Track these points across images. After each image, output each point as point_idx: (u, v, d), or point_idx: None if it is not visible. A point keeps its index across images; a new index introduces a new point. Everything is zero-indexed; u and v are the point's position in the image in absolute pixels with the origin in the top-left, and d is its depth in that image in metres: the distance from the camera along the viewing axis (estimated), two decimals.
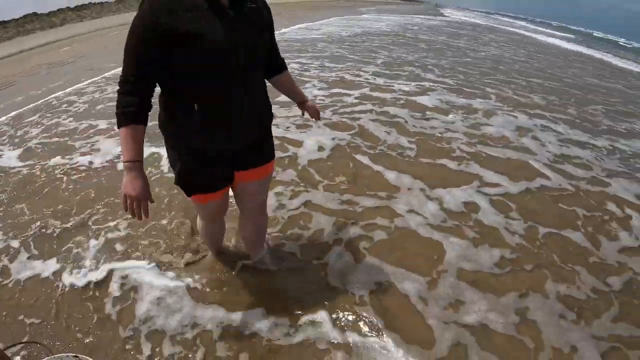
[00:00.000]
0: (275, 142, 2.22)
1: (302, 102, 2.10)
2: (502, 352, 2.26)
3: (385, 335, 2.30)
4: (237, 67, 1.50)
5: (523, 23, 34.54)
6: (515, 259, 3.11)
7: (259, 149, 1.81)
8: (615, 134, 6.64)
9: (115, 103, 1.46)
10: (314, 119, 2.14)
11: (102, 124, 5.68)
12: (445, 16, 28.52)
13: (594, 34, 36.03)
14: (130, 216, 1.48)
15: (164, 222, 3.25)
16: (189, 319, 2.36)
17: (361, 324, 2.38)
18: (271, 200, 3.44)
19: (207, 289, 2.58)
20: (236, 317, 2.36)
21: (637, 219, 4.08)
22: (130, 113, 1.41)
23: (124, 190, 1.41)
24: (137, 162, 1.42)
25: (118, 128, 1.43)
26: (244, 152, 1.75)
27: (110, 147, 4.82)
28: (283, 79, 1.95)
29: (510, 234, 3.49)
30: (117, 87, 1.44)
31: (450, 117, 6.26)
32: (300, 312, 2.42)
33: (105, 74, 8.80)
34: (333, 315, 2.41)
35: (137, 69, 1.41)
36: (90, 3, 20.83)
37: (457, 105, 6.90)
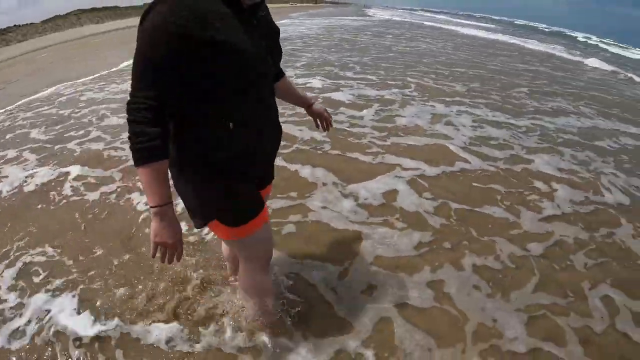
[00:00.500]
0: None
1: (308, 107, 1.93)
2: (426, 324, 2.33)
3: (294, 331, 2.17)
4: (267, 77, 1.44)
5: (448, 17, 35.83)
6: (434, 240, 3.15)
7: (273, 163, 1.72)
8: (540, 113, 6.85)
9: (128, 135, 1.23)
10: (325, 131, 2.01)
11: (11, 153, 5.10)
12: (370, 16, 28.94)
13: (516, 22, 37.91)
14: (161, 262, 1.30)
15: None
16: None
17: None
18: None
19: None
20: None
21: (559, 190, 4.24)
22: (153, 148, 1.18)
23: (158, 239, 1.26)
24: (168, 204, 1.25)
25: (137, 166, 1.20)
26: (269, 167, 1.69)
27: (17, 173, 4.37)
28: (284, 84, 1.81)
29: (430, 216, 3.49)
30: (129, 115, 1.19)
31: (365, 111, 6.17)
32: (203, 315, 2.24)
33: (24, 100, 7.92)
34: (237, 320, 2.19)
35: (159, 89, 1.17)
36: (15, 26, 20.11)
37: (373, 98, 6.82)
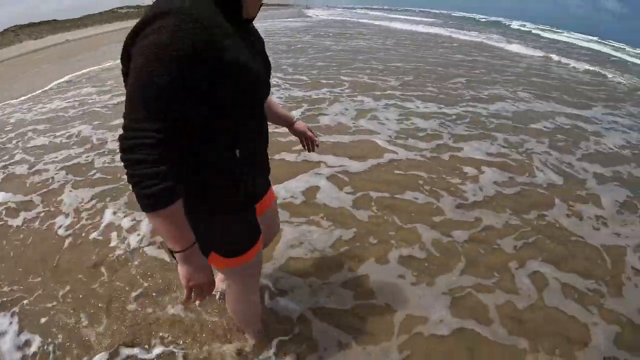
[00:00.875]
0: None
1: (290, 125, 1.86)
2: (348, 322, 2.33)
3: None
4: (266, 97, 1.40)
5: (388, 14, 36.35)
6: (357, 235, 3.13)
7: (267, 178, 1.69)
8: (476, 100, 6.94)
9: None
10: (310, 151, 1.94)
11: None
12: (310, 17, 29.00)
13: (453, 14, 39.03)
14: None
15: None
16: None
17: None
18: None
19: None
20: None
21: (487, 174, 4.26)
22: (167, 190, 1.02)
23: (192, 282, 1.19)
24: (194, 245, 1.15)
25: (150, 212, 1.04)
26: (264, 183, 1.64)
27: None
28: (269, 102, 1.71)
29: (354, 210, 3.46)
30: (128, 153, 0.99)
31: (292, 112, 5.60)
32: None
33: None
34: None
35: (167, 120, 1.00)
36: None
37: (302, 99, 6.71)
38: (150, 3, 1.03)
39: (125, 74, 1.09)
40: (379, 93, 6.80)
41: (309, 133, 1.88)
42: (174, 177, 1.04)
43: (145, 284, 2.63)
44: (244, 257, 1.49)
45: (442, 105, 6.36)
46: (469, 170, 4.31)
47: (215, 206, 1.32)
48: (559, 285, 2.84)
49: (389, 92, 6.95)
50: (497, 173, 4.29)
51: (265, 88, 1.34)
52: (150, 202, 1.03)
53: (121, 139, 1.01)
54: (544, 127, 5.93)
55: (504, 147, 4.98)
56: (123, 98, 1.38)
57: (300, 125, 1.88)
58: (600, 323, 2.52)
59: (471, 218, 3.49)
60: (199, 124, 1.14)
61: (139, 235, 3.18)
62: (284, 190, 3.72)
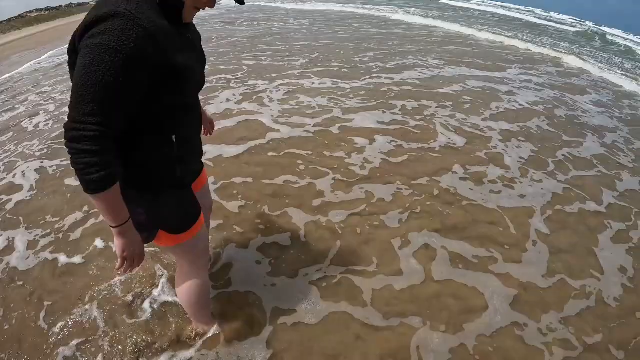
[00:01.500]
0: None
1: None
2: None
3: None
4: (199, 90, 1.58)
5: None
6: (224, 224, 2.88)
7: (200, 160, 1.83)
8: (381, 72, 6.72)
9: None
10: (208, 134, 2.12)
11: None
12: (220, 3, 28.02)
13: None
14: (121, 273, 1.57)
15: None
16: None
17: None
18: None
19: None
20: None
21: (377, 144, 4.05)
22: (108, 177, 1.18)
23: (127, 253, 1.37)
24: (129, 220, 1.34)
25: (93, 194, 1.20)
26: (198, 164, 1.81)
27: None
28: None
29: (224, 200, 3.18)
30: (73, 143, 1.13)
31: None
32: None
33: None
34: None
35: (110, 114, 1.15)
36: None
37: None
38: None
39: (71, 65, 1.24)
40: (275, 75, 6.42)
41: (212, 120, 2.14)
42: (113, 165, 1.19)
43: None
44: (190, 232, 1.64)
45: (340, 80, 6.09)
46: (359, 141, 4.05)
47: (157, 187, 1.49)
48: (448, 256, 2.64)
49: (289, 72, 6.60)
50: (388, 142, 4.06)
51: (200, 81, 1.53)
52: (91, 187, 1.17)
53: (67, 128, 1.13)
54: (452, 90, 5.81)
55: (402, 114, 4.77)
56: None
57: (207, 115, 2.08)
58: (499, 290, 2.42)
59: (354, 196, 3.20)
60: (139, 116, 1.28)
61: None
62: None
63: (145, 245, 1.48)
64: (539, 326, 2.22)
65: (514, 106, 5.36)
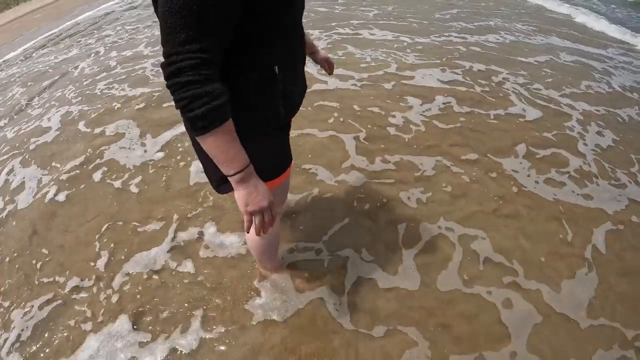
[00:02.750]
0: None
1: (313, 53, 1.81)
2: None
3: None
4: (301, 16, 1.33)
5: None
6: None
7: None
8: (457, 31, 6.05)
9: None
10: (328, 74, 1.89)
11: None
12: None
13: None
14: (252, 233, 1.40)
15: None
16: None
17: None
18: None
19: None
20: None
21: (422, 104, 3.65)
22: (221, 107, 1.01)
23: (251, 207, 1.16)
24: (250, 165, 1.14)
25: (203, 134, 1.03)
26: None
27: None
28: None
29: None
30: (175, 77, 0.97)
31: None
32: None
33: None
34: None
35: (212, 39, 0.99)
36: None
37: None
38: None
39: (155, 1, 1.05)
40: (334, 24, 6.01)
41: (331, 60, 1.87)
42: (224, 95, 1.03)
43: None
44: (278, 180, 1.52)
45: (409, 35, 5.51)
46: (411, 100, 3.54)
47: (257, 125, 1.31)
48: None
49: (357, 21, 6.15)
50: (443, 104, 3.54)
51: (301, 4, 1.27)
52: (202, 123, 1.00)
53: (164, 65, 0.98)
54: (535, 60, 5.01)
55: (464, 76, 4.20)
56: None
57: (324, 54, 1.85)
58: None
59: (382, 166, 2.85)
60: (236, 47, 1.11)
61: None
62: None
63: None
64: None
65: (604, 88, 4.55)
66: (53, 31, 9.30)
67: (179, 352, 1.85)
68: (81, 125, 3.86)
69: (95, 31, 7.90)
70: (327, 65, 1.87)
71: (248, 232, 1.32)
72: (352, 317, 1.95)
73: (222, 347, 1.85)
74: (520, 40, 5.80)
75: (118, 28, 7.68)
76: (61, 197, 2.91)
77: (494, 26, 6.46)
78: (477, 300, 2.03)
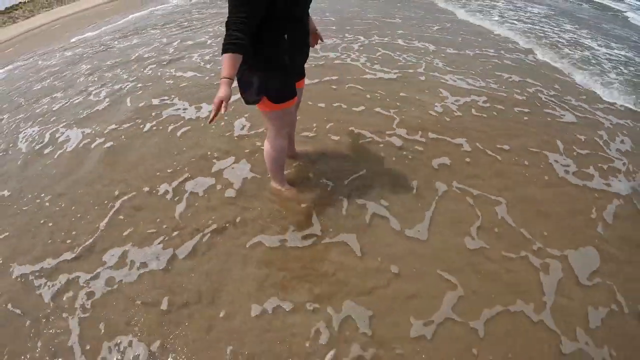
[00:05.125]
0: None
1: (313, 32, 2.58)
2: None
3: None
4: (307, 9, 2.25)
5: None
6: None
7: (304, 63, 2.54)
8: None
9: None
10: (312, 45, 2.55)
11: None
12: None
13: None
14: (213, 114, 1.89)
15: None
16: None
17: None
18: None
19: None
20: None
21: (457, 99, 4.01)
22: (239, 45, 1.88)
23: (221, 94, 1.86)
24: (230, 80, 1.92)
25: (224, 53, 1.90)
26: (302, 65, 2.51)
27: None
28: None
29: None
30: (229, 26, 1.90)
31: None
32: None
33: None
34: None
35: (250, 12, 1.91)
36: (21, 3, 20.38)
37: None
38: None
39: None
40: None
41: (318, 34, 2.59)
42: (243, 44, 1.88)
43: None
44: (284, 105, 2.32)
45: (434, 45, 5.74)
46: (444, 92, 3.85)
47: (271, 66, 2.17)
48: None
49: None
50: (480, 101, 3.82)
51: (305, 3, 2.15)
52: (224, 48, 1.88)
53: (226, 22, 1.90)
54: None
55: (499, 84, 4.41)
56: None
57: (316, 31, 2.57)
58: None
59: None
60: (265, 18, 1.98)
61: None
62: None
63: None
64: None
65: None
66: (126, 19, 10.07)
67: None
68: (129, 101, 4.41)
69: (162, 23, 8.52)
70: (313, 38, 2.57)
71: (212, 116, 1.87)
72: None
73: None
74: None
75: (184, 23, 8.21)
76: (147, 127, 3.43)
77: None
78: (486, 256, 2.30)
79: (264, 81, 2.18)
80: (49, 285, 2.31)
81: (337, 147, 3.20)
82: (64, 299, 2.22)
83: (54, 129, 4.05)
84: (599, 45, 6.59)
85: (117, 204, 2.79)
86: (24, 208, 2.95)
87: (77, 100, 4.71)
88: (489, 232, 2.45)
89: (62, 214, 2.81)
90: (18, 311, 2.20)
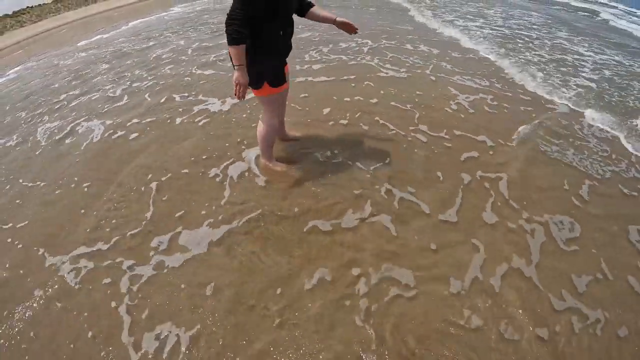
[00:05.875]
0: None
1: (334, 21, 2.65)
2: None
3: None
4: (292, 11, 2.52)
5: None
6: None
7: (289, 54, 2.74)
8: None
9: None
10: (352, 33, 2.70)
11: None
12: None
13: None
14: (239, 93, 2.32)
15: None
16: None
17: None
18: None
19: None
20: None
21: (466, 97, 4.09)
22: (242, 37, 2.20)
23: (238, 80, 2.30)
24: (243, 64, 2.29)
25: (230, 45, 2.22)
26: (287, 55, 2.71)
27: None
28: (314, 10, 2.69)
29: None
30: (230, 20, 2.17)
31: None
32: None
33: None
34: None
35: (249, 9, 2.17)
36: (28, 7, 20.41)
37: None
38: None
39: None
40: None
41: (350, 23, 2.65)
42: (244, 35, 2.19)
43: None
44: (278, 89, 2.67)
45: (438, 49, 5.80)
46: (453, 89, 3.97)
47: (267, 56, 2.45)
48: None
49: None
50: (487, 99, 3.92)
51: (289, 7, 2.41)
52: (230, 40, 2.18)
53: (227, 16, 2.16)
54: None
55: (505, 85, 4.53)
56: None
57: (340, 20, 2.63)
58: None
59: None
60: (267, 18, 2.27)
61: None
62: None
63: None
64: None
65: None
66: (134, 24, 10.16)
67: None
68: (146, 96, 4.55)
69: (184, 25, 8.71)
70: (350, 28, 2.66)
71: (236, 95, 2.33)
72: None
73: None
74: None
75: (204, 25, 8.38)
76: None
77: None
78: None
79: (265, 70, 2.54)
80: (94, 274, 2.31)
81: (365, 135, 3.34)
82: (112, 286, 2.22)
83: (85, 122, 4.15)
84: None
85: (157, 187, 2.88)
86: (64, 199, 2.96)
87: (110, 95, 4.83)
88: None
89: (107, 202, 2.84)
90: (65, 303, 2.17)
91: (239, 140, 3.34)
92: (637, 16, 10.67)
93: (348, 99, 3.89)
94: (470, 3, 10.26)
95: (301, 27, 6.86)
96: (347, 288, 2.11)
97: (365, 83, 4.34)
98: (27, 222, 2.80)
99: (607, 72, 5.22)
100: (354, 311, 2.01)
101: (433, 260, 2.27)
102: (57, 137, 3.87)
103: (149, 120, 3.88)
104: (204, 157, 3.17)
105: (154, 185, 2.91)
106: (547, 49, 6.25)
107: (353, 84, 4.31)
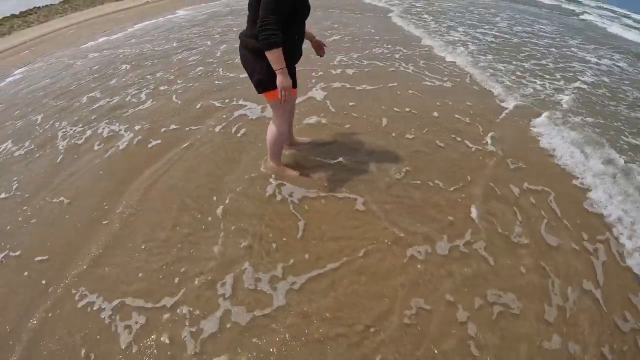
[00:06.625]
0: None
1: (311, 40, 2.83)
2: None
3: None
4: (306, 13, 2.49)
5: None
6: None
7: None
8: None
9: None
10: (320, 55, 2.92)
11: None
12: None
13: None
14: (284, 98, 2.33)
15: None
16: None
17: None
18: None
19: None
20: None
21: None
22: (278, 41, 2.18)
23: (283, 85, 2.31)
24: (284, 67, 2.29)
25: (268, 50, 2.20)
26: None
27: None
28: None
29: None
30: (265, 26, 2.14)
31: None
32: None
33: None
34: None
35: (280, 15, 2.18)
36: (35, 7, 20.50)
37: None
38: None
39: (251, 3, 2.29)
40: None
41: (322, 43, 2.86)
42: (279, 38, 2.18)
43: None
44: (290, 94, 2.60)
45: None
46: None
47: (287, 62, 2.33)
48: None
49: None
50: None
51: (305, 11, 2.42)
52: (266, 47, 2.19)
53: (259, 22, 2.16)
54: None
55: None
56: None
57: (318, 40, 2.85)
58: None
59: None
60: (288, 23, 2.28)
61: None
62: None
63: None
64: None
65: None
66: (142, 25, 9.90)
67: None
68: (174, 97, 4.37)
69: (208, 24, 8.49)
70: (319, 48, 2.86)
71: (283, 101, 2.34)
72: None
73: None
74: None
75: (223, 27, 8.12)
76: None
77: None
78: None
79: (271, 74, 2.43)
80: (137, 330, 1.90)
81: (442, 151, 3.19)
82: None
83: (111, 127, 3.93)
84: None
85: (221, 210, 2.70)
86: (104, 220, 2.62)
87: (142, 99, 4.57)
88: None
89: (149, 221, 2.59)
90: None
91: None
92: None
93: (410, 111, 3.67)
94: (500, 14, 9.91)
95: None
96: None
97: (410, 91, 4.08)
98: None
99: None
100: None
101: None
102: (90, 143, 3.57)
103: (200, 127, 3.62)
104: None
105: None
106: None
107: (399, 92, 4.06)
